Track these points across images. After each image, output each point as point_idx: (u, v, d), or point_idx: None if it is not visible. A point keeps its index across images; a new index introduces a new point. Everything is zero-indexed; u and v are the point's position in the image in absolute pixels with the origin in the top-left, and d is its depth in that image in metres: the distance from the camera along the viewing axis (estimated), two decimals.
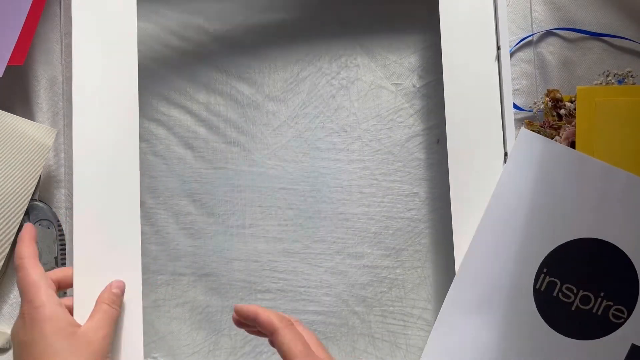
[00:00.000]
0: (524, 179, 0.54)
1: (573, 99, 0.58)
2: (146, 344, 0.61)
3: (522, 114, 0.61)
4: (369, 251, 0.60)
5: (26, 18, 0.57)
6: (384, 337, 0.60)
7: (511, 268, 0.54)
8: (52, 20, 0.63)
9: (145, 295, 0.61)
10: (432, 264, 0.60)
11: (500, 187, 0.54)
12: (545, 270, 0.54)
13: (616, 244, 0.53)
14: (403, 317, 0.60)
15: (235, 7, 0.62)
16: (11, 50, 0.57)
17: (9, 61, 0.57)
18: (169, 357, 0.61)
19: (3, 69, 0.56)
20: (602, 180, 0.53)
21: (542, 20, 0.62)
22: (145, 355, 0.61)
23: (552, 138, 0.58)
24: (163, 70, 0.62)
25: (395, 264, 0.60)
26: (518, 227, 0.54)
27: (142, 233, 0.61)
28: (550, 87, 0.60)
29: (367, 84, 0.61)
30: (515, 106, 0.60)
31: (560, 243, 0.54)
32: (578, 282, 0.54)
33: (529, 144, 0.54)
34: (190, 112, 0.62)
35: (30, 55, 0.62)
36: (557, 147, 0.54)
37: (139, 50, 0.62)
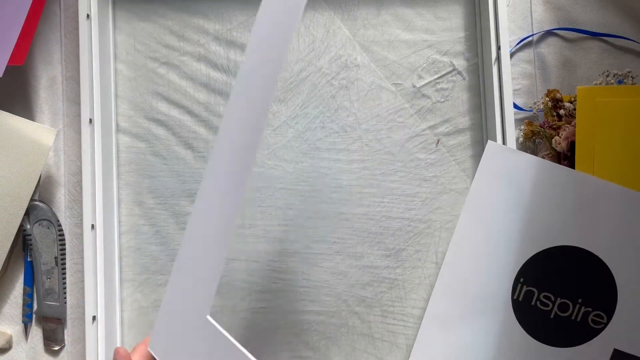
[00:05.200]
0: (494, 191, 0.54)
1: (573, 99, 0.58)
2: None
3: (522, 114, 0.61)
4: (369, 251, 0.60)
5: (26, 18, 0.57)
6: (383, 337, 0.60)
7: (488, 280, 0.54)
8: (52, 20, 0.63)
9: (145, 295, 0.61)
10: (432, 264, 0.60)
11: (471, 200, 0.54)
12: (522, 280, 0.54)
13: (590, 250, 0.53)
14: (403, 317, 0.60)
15: (236, 7, 0.62)
16: (11, 50, 0.57)
17: (9, 61, 0.57)
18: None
19: (3, 69, 0.56)
20: (574, 187, 0.53)
21: (542, 20, 0.62)
22: None
23: (552, 138, 0.58)
24: (163, 70, 0.62)
25: (395, 264, 0.60)
26: (492, 238, 0.54)
27: (142, 233, 0.61)
28: (550, 87, 0.60)
29: (367, 84, 0.61)
30: (515, 106, 0.60)
31: (535, 252, 0.54)
32: (555, 289, 0.54)
33: (497, 156, 0.54)
34: (190, 112, 0.62)
35: (30, 55, 0.62)
36: (526, 157, 0.54)
37: (139, 50, 0.62)
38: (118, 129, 0.62)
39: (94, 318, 0.57)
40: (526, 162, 0.54)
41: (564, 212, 0.53)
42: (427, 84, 0.61)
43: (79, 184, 0.61)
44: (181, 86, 0.62)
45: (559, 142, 0.57)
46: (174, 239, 0.61)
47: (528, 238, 0.54)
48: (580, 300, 0.53)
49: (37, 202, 0.60)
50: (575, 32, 0.62)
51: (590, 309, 0.53)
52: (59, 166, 0.62)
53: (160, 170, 0.62)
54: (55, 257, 0.60)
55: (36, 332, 0.61)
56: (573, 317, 0.53)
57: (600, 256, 0.53)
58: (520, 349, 0.54)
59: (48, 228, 0.60)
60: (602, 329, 0.53)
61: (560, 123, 0.58)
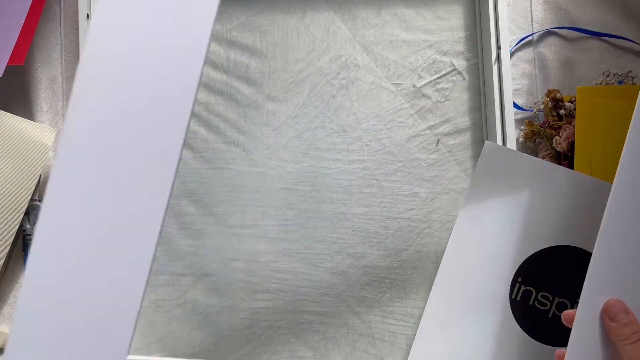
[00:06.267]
0: (492, 191, 0.54)
1: (573, 98, 0.58)
2: (146, 344, 0.61)
3: (522, 114, 0.61)
4: (369, 251, 0.60)
5: (26, 18, 0.58)
6: (384, 337, 0.60)
7: (486, 280, 0.54)
8: (52, 20, 0.63)
9: (145, 295, 0.61)
10: (432, 264, 0.60)
11: (468, 200, 0.54)
12: (519, 279, 0.54)
13: (588, 250, 0.53)
14: (403, 317, 0.60)
15: (235, 7, 0.62)
16: (11, 50, 0.57)
17: (9, 61, 0.57)
18: (169, 357, 0.60)
19: (3, 69, 0.57)
20: (570, 187, 0.53)
21: (542, 20, 0.62)
22: (146, 354, 0.61)
23: (552, 138, 0.58)
24: None
25: (395, 264, 0.60)
26: (489, 238, 0.54)
27: None
28: (551, 87, 0.60)
29: (367, 84, 0.61)
30: (515, 106, 0.60)
31: (533, 252, 0.54)
32: (553, 289, 0.54)
33: (494, 156, 0.54)
34: None
35: (30, 55, 0.62)
36: (523, 157, 0.54)
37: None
38: None
39: None
40: (523, 162, 0.54)
41: (560, 211, 0.54)
42: (427, 84, 0.61)
43: None
44: None
45: (560, 142, 0.57)
46: (174, 239, 0.61)
47: (526, 238, 0.54)
48: (578, 300, 0.53)
49: (37, 202, 0.60)
50: (575, 32, 0.62)
51: None
52: None
53: None
54: None
55: None
56: None
57: None
58: (518, 349, 0.54)
59: None
60: None
61: (560, 123, 0.58)
